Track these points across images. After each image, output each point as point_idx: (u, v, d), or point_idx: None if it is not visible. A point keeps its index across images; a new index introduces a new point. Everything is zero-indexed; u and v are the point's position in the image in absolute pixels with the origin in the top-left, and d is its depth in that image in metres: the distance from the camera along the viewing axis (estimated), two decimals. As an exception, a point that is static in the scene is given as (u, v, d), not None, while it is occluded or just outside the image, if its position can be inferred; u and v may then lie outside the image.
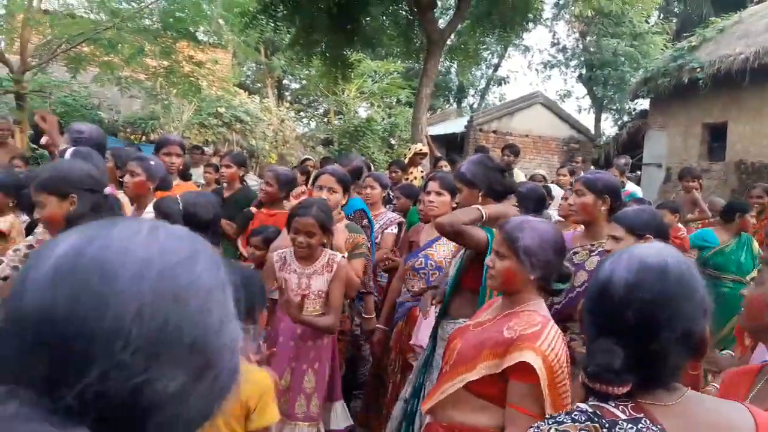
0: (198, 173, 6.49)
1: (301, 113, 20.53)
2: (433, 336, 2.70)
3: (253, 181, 5.93)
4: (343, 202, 3.43)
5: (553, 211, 5.38)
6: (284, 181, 4.08)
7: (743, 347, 2.38)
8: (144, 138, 11.43)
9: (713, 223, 5.88)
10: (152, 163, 3.45)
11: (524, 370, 1.72)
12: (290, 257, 2.87)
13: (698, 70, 11.46)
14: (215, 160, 7.17)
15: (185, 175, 4.80)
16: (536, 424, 1.13)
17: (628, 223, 2.50)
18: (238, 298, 0.65)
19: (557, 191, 5.98)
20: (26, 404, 0.50)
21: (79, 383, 0.51)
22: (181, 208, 2.63)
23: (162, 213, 2.65)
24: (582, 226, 2.99)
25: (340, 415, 2.95)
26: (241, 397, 1.76)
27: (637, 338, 1.07)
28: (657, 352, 1.07)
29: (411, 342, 3.19)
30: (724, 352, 2.47)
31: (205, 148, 11.21)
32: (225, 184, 4.90)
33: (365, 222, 3.88)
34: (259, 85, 19.83)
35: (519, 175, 7.29)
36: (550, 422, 1.11)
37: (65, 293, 0.54)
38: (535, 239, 1.91)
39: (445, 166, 6.79)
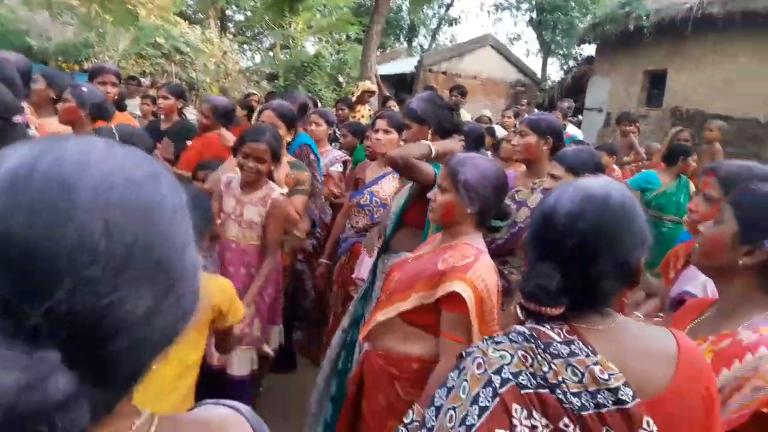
0: (134, 104, 6.19)
1: (245, 46, 19.72)
2: (374, 269, 2.74)
3: (192, 114, 5.71)
4: (288, 138, 3.36)
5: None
6: (221, 113, 3.95)
7: (667, 280, 2.51)
8: (77, 67, 10.74)
9: (648, 166, 6.14)
10: (84, 89, 3.26)
11: (455, 299, 1.78)
12: (236, 183, 2.85)
13: (644, 17, 11.62)
14: (153, 92, 6.84)
15: (120, 106, 4.57)
16: (475, 344, 1.17)
17: (567, 162, 2.57)
18: (192, 221, 0.64)
19: (501, 133, 6.05)
20: None
21: (47, 301, 0.48)
22: (117, 139, 2.52)
23: None
24: (524, 166, 3.05)
25: (276, 337, 3.04)
26: (213, 303, 1.91)
27: (575, 264, 1.10)
28: (593, 278, 1.10)
29: (353, 276, 3.23)
30: (652, 278, 2.62)
31: (142, 80, 10.67)
32: (162, 117, 4.70)
33: (312, 157, 3.82)
34: (201, 15, 18.81)
35: (465, 117, 7.32)
36: (489, 342, 1.15)
37: (22, 207, 0.50)
38: (475, 174, 1.94)
39: (393, 106, 6.74)
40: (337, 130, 5.44)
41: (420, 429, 1.17)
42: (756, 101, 10.51)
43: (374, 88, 7.23)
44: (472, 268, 1.82)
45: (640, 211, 1.15)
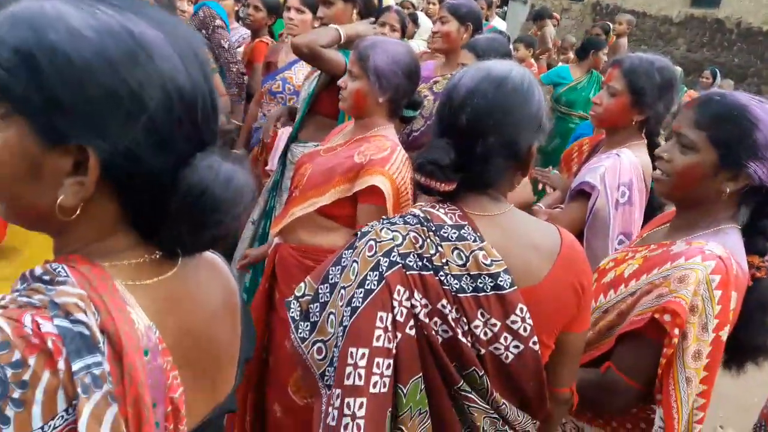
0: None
1: None
2: (282, 159, 2.67)
3: None
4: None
5: (419, 41, 5.31)
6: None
7: (570, 173, 2.60)
8: None
9: (565, 60, 6.25)
10: None
11: (373, 192, 1.78)
12: None
13: None
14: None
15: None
16: (371, 224, 1.19)
17: (479, 50, 2.56)
18: None
19: (424, 20, 5.86)
20: None
21: None
22: None
23: None
24: (444, 56, 2.99)
25: None
26: None
27: (466, 140, 1.12)
28: (482, 155, 1.11)
29: (267, 168, 3.15)
30: (553, 172, 2.71)
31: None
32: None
33: (218, 22, 3.51)
34: None
35: (389, 0, 7.00)
36: (384, 222, 1.17)
37: None
38: (386, 59, 1.86)
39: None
40: (243, 8, 4.95)
41: (312, 303, 1.17)
42: (671, -2, 10.73)
43: None
44: (389, 161, 1.80)
45: (539, 96, 1.16)
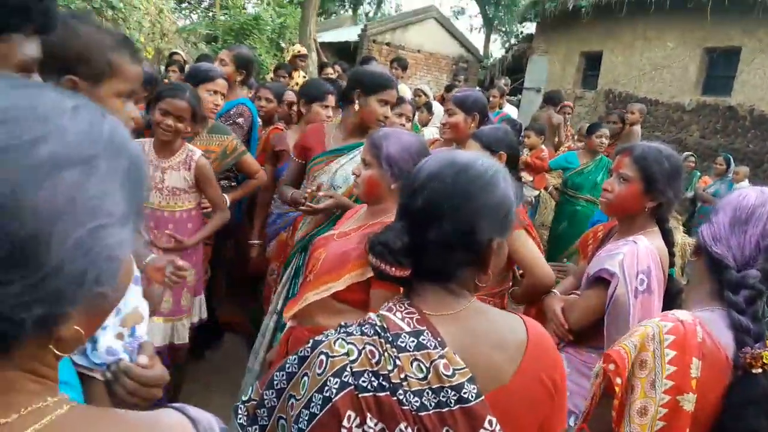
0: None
1: (183, 4, 18.86)
2: (305, 247, 2.70)
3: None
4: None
5: (433, 128, 5.50)
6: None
7: (586, 259, 2.61)
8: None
9: (572, 147, 6.42)
10: None
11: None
12: (148, 147, 2.70)
13: (582, -2, 11.89)
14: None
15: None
16: (326, 332, 1.11)
17: (483, 139, 2.64)
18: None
19: (438, 108, 6.09)
20: None
21: None
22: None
23: None
24: (455, 144, 3.10)
25: (200, 308, 2.96)
26: None
27: (421, 224, 1.08)
28: (436, 241, 1.06)
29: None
30: (569, 263, 2.72)
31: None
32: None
33: (248, 114, 3.70)
34: (134, -32, 17.80)
35: (405, 91, 7.31)
36: (341, 331, 1.09)
37: None
38: (398, 148, 1.94)
39: (331, 73, 6.62)
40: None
41: (258, 408, 1.11)
42: (682, 86, 11.01)
43: (305, 51, 7.04)
44: None
45: (504, 190, 1.10)
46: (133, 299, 1.31)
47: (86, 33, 1.27)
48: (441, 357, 1.02)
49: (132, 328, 1.25)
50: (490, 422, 0.99)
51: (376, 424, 0.98)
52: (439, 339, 1.04)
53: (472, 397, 0.99)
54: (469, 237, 1.06)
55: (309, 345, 1.09)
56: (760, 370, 1.24)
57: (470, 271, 1.10)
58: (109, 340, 1.21)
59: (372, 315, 1.11)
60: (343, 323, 1.12)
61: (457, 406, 0.99)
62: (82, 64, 1.23)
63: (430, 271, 1.10)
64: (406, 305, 1.10)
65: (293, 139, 3.36)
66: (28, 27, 0.95)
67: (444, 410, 0.99)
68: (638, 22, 11.27)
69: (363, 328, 1.08)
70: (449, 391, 1.00)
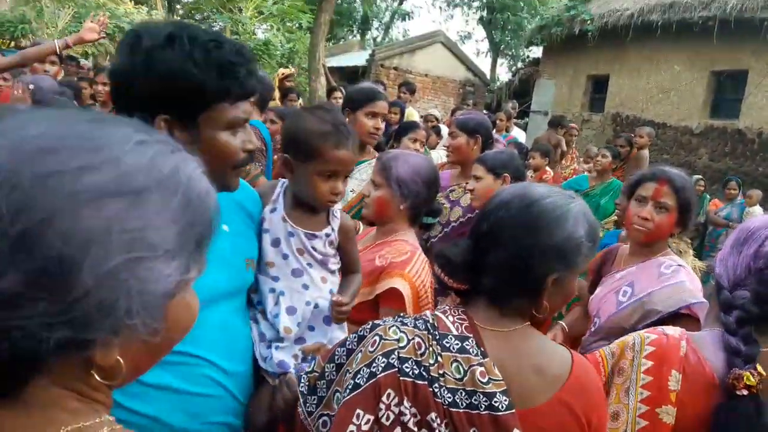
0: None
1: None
2: None
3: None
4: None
5: (441, 151, 5.52)
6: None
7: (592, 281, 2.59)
8: (13, 44, 10.18)
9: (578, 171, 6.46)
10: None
11: (393, 295, 1.80)
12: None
13: (588, 22, 12.00)
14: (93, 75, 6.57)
15: (56, 88, 4.39)
16: (385, 319, 1.20)
17: (488, 163, 2.68)
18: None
19: (446, 131, 6.13)
20: None
21: None
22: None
23: None
24: (459, 167, 3.12)
25: None
26: None
27: (483, 246, 1.15)
28: (492, 264, 1.13)
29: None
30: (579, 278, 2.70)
31: (83, 61, 10.22)
32: (98, 103, 4.54)
33: (260, 144, 3.75)
34: (147, -6, 18.21)
35: (413, 115, 7.38)
36: (397, 320, 1.18)
37: None
38: (407, 170, 1.97)
39: (339, 97, 6.68)
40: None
41: (319, 380, 1.21)
42: (690, 109, 11.03)
43: (290, 71, 7.09)
44: (409, 264, 1.85)
45: (572, 229, 1.12)
46: (321, 336, 1.54)
47: (304, 122, 1.54)
48: (480, 365, 1.08)
49: (311, 359, 1.43)
50: None
51: (410, 407, 1.05)
52: (482, 349, 1.10)
53: (502, 407, 1.04)
54: (524, 268, 1.11)
55: (368, 326, 1.19)
56: (745, 392, 1.22)
57: (526, 300, 1.15)
58: (282, 356, 1.43)
59: (427, 313, 1.20)
60: (401, 314, 1.22)
61: (487, 412, 1.04)
62: (293, 147, 1.53)
63: (485, 291, 1.16)
64: (460, 312, 1.18)
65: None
66: (230, 98, 1.18)
67: (473, 412, 1.05)
68: (645, 45, 11.34)
69: (417, 322, 1.16)
70: (481, 396, 1.05)
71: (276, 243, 1.53)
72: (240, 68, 1.18)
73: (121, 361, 0.60)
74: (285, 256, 1.53)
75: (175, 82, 1.12)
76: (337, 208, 1.64)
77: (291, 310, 1.50)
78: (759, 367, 1.23)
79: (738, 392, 1.23)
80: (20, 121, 0.57)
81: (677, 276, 2.00)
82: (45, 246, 0.52)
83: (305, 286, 1.53)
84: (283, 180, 1.64)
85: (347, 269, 1.68)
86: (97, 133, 0.58)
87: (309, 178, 1.52)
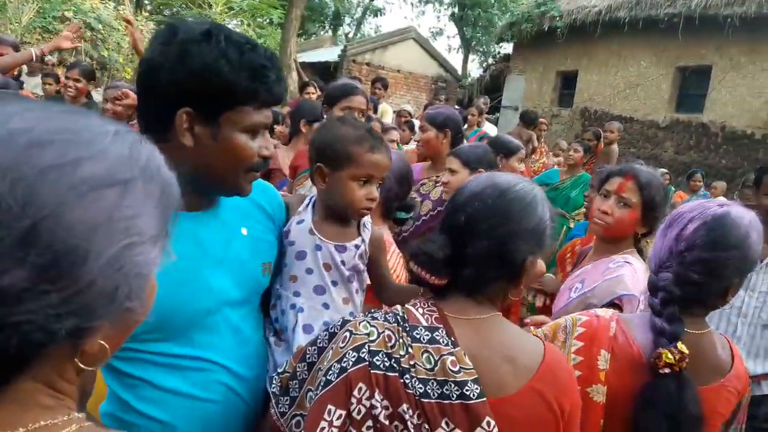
0: (34, 83, 5.82)
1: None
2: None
3: (99, 95, 5.44)
4: None
5: (413, 145, 5.56)
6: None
7: (564, 273, 2.62)
8: (-28, 38, 9.88)
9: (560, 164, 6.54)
10: None
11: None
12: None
13: (557, 18, 12.16)
14: (58, 71, 6.45)
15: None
16: (356, 315, 1.23)
17: (463, 157, 2.70)
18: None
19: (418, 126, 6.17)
20: None
21: None
22: None
23: None
24: (429, 160, 3.15)
25: None
26: None
27: (460, 239, 1.15)
28: (473, 256, 1.13)
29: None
30: (547, 275, 2.70)
31: (48, 57, 10.00)
32: (68, 98, 4.45)
33: None
34: (114, -11, 17.84)
35: (387, 110, 7.39)
36: (368, 316, 1.19)
37: None
38: None
39: (312, 93, 6.67)
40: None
41: (291, 380, 1.21)
42: (656, 104, 11.27)
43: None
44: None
45: (542, 214, 1.17)
46: None
47: (336, 129, 1.55)
48: (450, 354, 1.08)
49: None
50: (488, 423, 1.04)
51: (381, 400, 1.06)
52: (452, 338, 1.11)
53: (473, 395, 1.05)
54: (504, 255, 1.13)
55: (339, 323, 1.20)
56: (667, 370, 1.28)
57: (502, 285, 1.18)
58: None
59: (398, 306, 1.21)
60: (372, 310, 1.23)
61: (458, 400, 1.05)
62: (326, 155, 1.52)
63: (465, 282, 1.16)
64: (429, 304, 1.18)
65: (286, 158, 3.37)
66: (255, 103, 1.17)
67: (445, 402, 1.05)
68: (612, 41, 11.54)
69: (387, 315, 1.18)
70: (453, 385, 1.06)
71: (301, 256, 1.49)
72: (270, 73, 1.17)
73: (106, 345, 0.61)
74: (309, 271, 1.49)
75: (205, 78, 1.11)
76: (368, 219, 1.61)
77: (308, 329, 1.45)
78: (680, 345, 1.29)
79: (660, 371, 1.28)
80: (1, 115, 0.57)
81: (619, 271, 1.98)
82: (53, 239, 0.53)
83: (326, 305, 1.49)
84: (312, 195, 1.62)
85: (379, 282, 1.64)
86: (79, 126, 0.59)
87: (344, 183, 1.49)
